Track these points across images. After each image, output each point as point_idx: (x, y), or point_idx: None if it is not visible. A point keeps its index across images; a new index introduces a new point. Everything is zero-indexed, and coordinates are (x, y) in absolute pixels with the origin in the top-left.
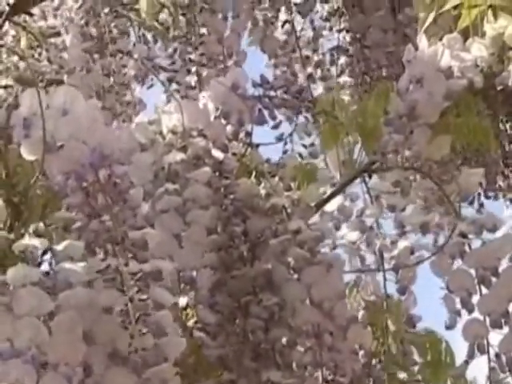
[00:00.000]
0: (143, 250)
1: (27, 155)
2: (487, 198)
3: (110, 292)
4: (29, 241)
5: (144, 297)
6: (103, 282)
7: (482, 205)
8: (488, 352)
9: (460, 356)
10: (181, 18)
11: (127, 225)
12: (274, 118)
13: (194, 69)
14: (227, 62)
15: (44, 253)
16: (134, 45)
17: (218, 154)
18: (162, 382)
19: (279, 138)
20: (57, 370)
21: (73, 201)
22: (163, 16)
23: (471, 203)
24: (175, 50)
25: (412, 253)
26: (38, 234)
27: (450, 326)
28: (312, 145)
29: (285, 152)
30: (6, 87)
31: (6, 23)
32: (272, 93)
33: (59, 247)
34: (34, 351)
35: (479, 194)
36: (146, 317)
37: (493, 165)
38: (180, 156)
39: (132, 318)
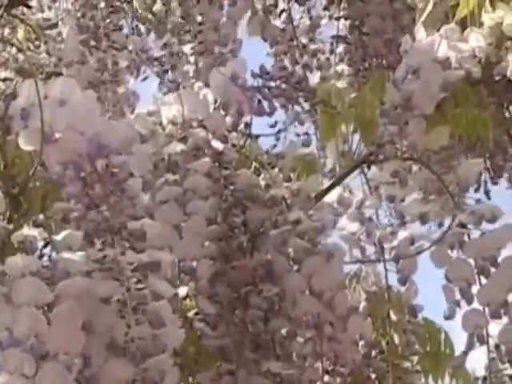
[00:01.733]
0: (141, 240)
1: (25, 146)
2: (495, 184)
3: (108, 282)
4: (28, 231)
5: (141, 286)
6: (101, 272)
7: (487, 192)
8: (487, 342)
9: (459, 347)
10: (176, 7)
11: (125, 215)
12: (273, 108)
13: (191, 59)
14: (223, 51)
15: (45, 244)
16: (127, 37)
17: (217, 144)
18: (160, 373)
19: (273, 126)
20: (56, 359)
21: (71, 191)
22: (157, 7)
23: (477, 190)
24: (169, 42)
25: (412, 243)
26: (37, 224)
27: (449, 317)
28: (306, 134)
29: (277, 140)
30: (4, 80)
31: (4, 15)
32: (271, 83)
33: (58, 237)
34: (33, 340)
35: (485, 182)
36: (144, 307)
37: (499, 152)
38: (180, 147)
39: (129, 308)
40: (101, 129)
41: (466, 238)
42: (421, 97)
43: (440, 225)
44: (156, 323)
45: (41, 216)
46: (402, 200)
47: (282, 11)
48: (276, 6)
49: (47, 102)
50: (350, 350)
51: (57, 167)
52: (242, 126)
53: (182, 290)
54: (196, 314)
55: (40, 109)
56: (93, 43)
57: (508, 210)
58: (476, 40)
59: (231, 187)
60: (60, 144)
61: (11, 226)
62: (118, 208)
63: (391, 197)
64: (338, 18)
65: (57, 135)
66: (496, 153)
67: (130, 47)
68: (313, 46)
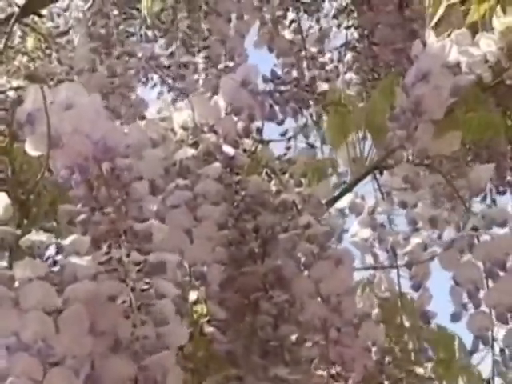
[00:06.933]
0: (147, 242)
1: (32, 151)
2: (499, 193)
3: (113, 283)
4: (35, 236)
5: (146, 287)
6: (106, 273)
7: (494, 201)
8: (492, 345)
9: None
10: (184, 18)
11: (131, 217)
12: (284, 113)
13: (200, 68)
14: (229, 64)
15: (57, 251)
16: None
17: (228, 149)
18: (161, 371)
19: (283, 134)
20: (64, 363)
21: (77, 194)
22: (165, 16)
23: (484, 199)
24: (178, 52)
25: (425, 249)
26: (45, 229)
27: (455, 320)
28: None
29: (288, 148)
30: (17, 89)
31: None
32: (282, 87)
33: (66, 242)
34: (41, 345)
35: (491, 190)
36: (148, 306)
37: (502, 160)
38: (191, 152)
39: (134, 307)
40: (107, 132)
41: (475, 241)
42: (430, 102)
43: (450, 229)
44: (160, 322)
45: (49, 221)
46: (415, 206)
47: (292, 22)
48: (285, 16)
49: (53, 107)
50: (362, 357)
51: (63, 171)
52: (253, 132)
53: (193, 295)
54: (208, 321)
55: (46, 113)
56: (104, 50)
57: None
58: (487, 45)
59: (242, 192)
60: (66, 147)
61: (19, 232)
62: (123, 211)
63: (403, 203)
64: (347, 28)
65: (63, 139)
66: (500, 159)
67: (140, 54)
68: (321, 59)
